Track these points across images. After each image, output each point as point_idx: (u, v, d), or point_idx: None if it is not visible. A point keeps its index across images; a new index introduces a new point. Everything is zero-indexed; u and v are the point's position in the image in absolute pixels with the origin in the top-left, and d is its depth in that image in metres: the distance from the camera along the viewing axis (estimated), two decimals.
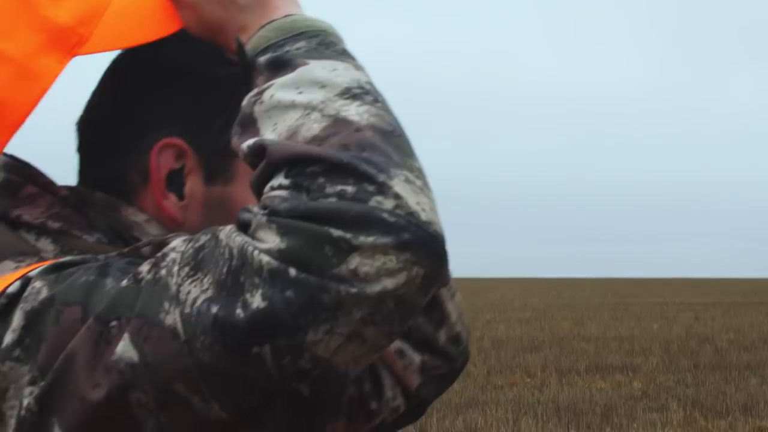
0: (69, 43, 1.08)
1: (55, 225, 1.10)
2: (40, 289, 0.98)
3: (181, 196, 1.14)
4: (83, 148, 1.19)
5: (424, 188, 0.93)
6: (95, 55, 1.10)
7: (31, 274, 1.00)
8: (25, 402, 0.96)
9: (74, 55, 1.08)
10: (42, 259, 1.05)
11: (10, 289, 1.00)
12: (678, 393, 12.37)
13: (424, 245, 0.90)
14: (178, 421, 0.94)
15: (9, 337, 0.97)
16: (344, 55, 1.03)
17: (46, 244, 1.09)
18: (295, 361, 0.90)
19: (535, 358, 16.28)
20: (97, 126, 1.18)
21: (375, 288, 0.89)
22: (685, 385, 13.19)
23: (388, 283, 0.89)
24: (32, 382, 0.95)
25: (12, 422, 0.97)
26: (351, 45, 1.07)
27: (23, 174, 1.12)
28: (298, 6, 1.08)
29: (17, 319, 0.97)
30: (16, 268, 1.04)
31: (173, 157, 1.14)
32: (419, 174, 0.94)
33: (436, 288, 0.94)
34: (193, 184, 1.14)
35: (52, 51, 1.07)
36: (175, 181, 1.14)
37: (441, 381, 1.22)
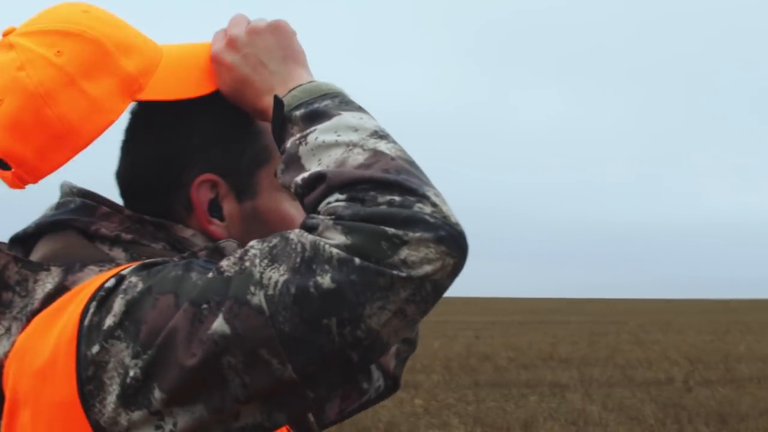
0: (132, 89, 1.31)
1: (128, 236, 1.33)
2: (136, 283, 1.19)
3: (221, 218, 1.38)
4: (128, 194, 1.41)
5: (446, 202, 1.18)
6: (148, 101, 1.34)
7: (124, 272, 1.21)
8: (132, 372, 1.15)
9: (133, 100, 1.31)
10: (117, 265, 1.27)
11: (107, 284, 1.20)
12: (459, 410, 12.48)
13: (455, 241, 1.14)
14: (258, 381, 1.14)
15: (110, 320, 1.17)
16: (362, 109, 1.28)
17: (118, 252, 1.32)
18: (354, 331, 1.12)
19: None
20: (137, 173, 1.39)
21: (418, 272, 1.12)
22: (465, 402, 13.33)
23: (428, 269, 1.13)
24: (135, 356, 1.15)
25: (113, 389, 1.16)
26: None
27: (96, 198, 1.36)
28: (311, 73, 1.34)
29: (117, 306, 1.18)
30: (100, 271, 1.26)
31: (209, 189, 1.37)
32: (440, 192, 1.19)
33: (457, 277, 1.16)
34: (229, 206, 1.39)
35: (120, 93, 1.30)
36: (214, 207, 1.38)
37: (405, 360, 1.71)
